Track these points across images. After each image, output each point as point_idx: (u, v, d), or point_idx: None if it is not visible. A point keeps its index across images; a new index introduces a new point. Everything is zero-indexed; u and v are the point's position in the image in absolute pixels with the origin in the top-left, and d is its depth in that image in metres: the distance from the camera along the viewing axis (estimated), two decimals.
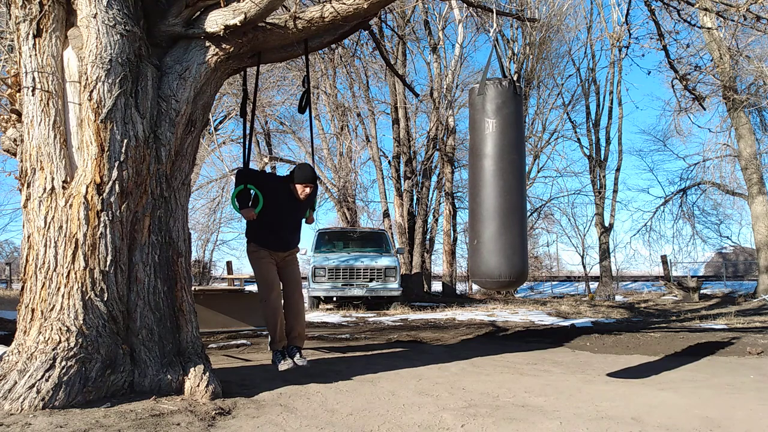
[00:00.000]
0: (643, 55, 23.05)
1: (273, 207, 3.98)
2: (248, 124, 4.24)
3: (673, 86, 7.96)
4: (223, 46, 3.53)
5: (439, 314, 9.93)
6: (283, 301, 4.00)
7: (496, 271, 3.19)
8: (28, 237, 3.11)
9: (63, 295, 2.94)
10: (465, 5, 9.38)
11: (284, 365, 3.71)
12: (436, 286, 20.22)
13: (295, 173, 4.03)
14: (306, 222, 4.35)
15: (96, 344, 2.89)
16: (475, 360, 4.74)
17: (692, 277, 16.68)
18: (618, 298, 17.59)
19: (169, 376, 3.06)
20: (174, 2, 3.54)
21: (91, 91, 3.08)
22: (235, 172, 4.34)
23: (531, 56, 18.52)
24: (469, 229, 3.48)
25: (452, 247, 18.37)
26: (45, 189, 3.09)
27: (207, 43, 3.53)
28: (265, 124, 18.78)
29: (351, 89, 18.01)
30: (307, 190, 3.98)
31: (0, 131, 3.58)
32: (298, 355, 3.82)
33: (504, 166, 3.27)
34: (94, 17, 3.14)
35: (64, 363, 2.74)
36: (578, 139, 20.57)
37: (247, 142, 4.15)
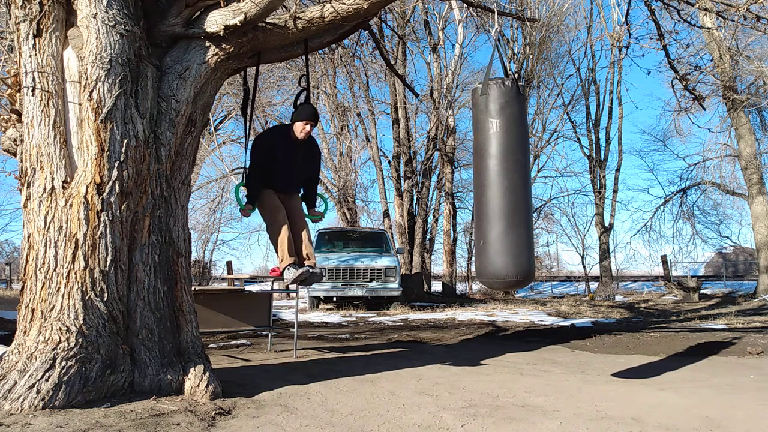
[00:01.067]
0: (643, 55, 23.05)
1: (275, 160, 4.04)
2: (248, 124, 4.27)
3: (673, 86, 7.96)
4: (223, 46, 3.53)
5: (439, 314, 9.93)
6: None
7: (503, 271, 3.19)
8: (28, 237, 3.11)
9: (63, 295, 2.94)
10: (465, 5, 9.38)
11: (298, 271, 3.74)
12: (436, 286, 20.23)
13: (297, 112, 4.07)
14: (313, 222, 4.42)
15: (96, 344, 2.89)
16: (475, 360, 4.74)
17: (692, 277, 16.68)
18: (618, 298, 17.59)
19: (169, 376, 3.06)
20: (174, 2, 3.53)
21: (91, 91, 3.08)
22: (242, 173, 4.39)
23: (531, 56, 18.52)
24: (474, 230, 3.48)
25: (452, 247, 18.38)
26: (45, 189, 3.09)
27: (207, 43, 3.53)
28: (265, 124, 18.79)
29: (351, 89, 18.03)
30: (307, 128, 4.03)
31: (0, 131, 3.58)
32: (308, 268, 3.88)
33: (509, 165, 3.27)
34: (94, 17, 3.14)
35: (64, 363, 2.74)
36: (578, 139, 20.59)
37: (247, 142, 4.20)
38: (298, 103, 4.17)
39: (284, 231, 3.94)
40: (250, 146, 4.21)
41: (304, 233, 4.11)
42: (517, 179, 3.27)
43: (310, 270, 3.88)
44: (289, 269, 3.89)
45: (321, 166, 4.62)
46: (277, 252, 4.03)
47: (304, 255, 4.04)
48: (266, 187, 4.09)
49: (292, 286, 4.25)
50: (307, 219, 4.33)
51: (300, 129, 4.02)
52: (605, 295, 17.65)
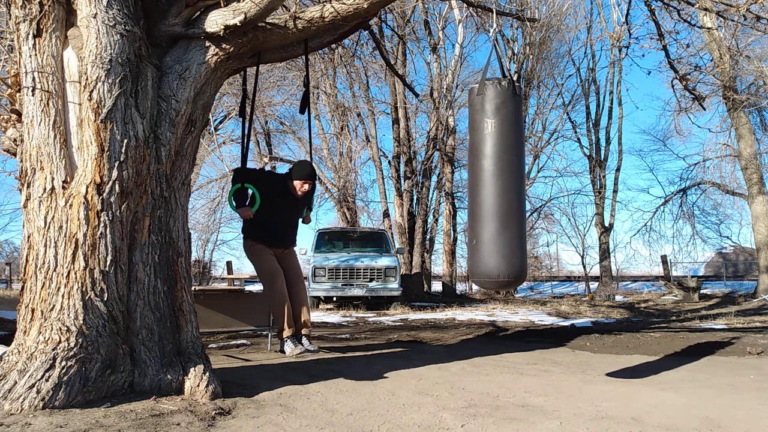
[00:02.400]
0: (643, 55, 23.06)
1: (270, 205, 4.00)
2: (247, 124, 4.25)
3: (673, 86, 7.96)
4: (223, 46, 3.53)
5: (439, 314, 9.93)
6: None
7: (495, 271, 3.19)
8: (28, 237, 3.11)
9: (63, 295, 2.94)
10: (465, 5, 9.38)
11: (297, 350, 3.74)
12: (436, 286, 20.23)
13: (293, 170, 4.05)
14: (303, 222, 4.36)
15: (96, 344, 2.89)
16: (475, 360, 4.74)
17: (692, 277, 16.68)
18: (618, 298, 17.59)
19: (169, 376, 3.06)
20: (174, 2, 3.53)
21: (91, 91, 3.08)
22: (232, 171, 4.37)
23: (531, 56, 18.52)
24: (468, 229, 3.48)
25: (452, 247, 18.38)
26: (45, 189, 3.09)
27: (207, 43, 3.53)
28: (265, 124, 18.80)
29: (351, 89, 18.03)
30: (306, 186, 4.00)
31: (0, 131, 3.58)
32: (307, 342, 3.86)
33: (503, 166, 3.27)
34: (94, 17, 3.14)
35: (64, 363, 2.74)
36: (578, 139, 20.60)
37: (245, 142, 4.17)
38: (292, 167, 4.13)
39: (284, 301, 3.91)
40: (253, 147, 4.19)
41: (302, 296, 4.07)
42: (512, 179, 3.27)
43: (309, 350, 3.88)
44: (288, 343, 3.89)
45: (315, 193, 4.57)
46: (275, 319, 4.01)
47: (302, 321, 4.00)
48: (261, 243, 4.02)
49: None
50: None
51: (299, 188, 4.00)
52: (605, 295, 17.65)
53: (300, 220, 4.37)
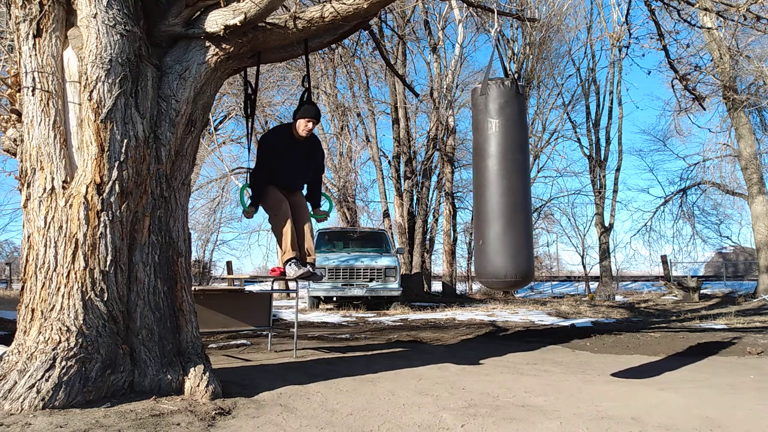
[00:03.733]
0: (643, 55, 23.05)
1: (278, 157, 4.06)
2: (250, 123, 4.29)
3: (673, 86, 7.96)
4: (223, 46, 3.53)
5: (439, 314, 9.93)
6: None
7: (502, 270, 3.19)
8: (28, 237, 3.11)
9: (63, 295, 2.94)
10: (465, 5, 9.38)
11: (300, 271, 3.79)
12: (436, 286, 20.23)
13: (298, 110, 4.10)
14: (318, 221, 4.45)
15: (96, 344, 2.89)
16: (475, 360, 4.74)
17: (692, 277, 16.67)
18: (618, 298, 17.59)
19: (169, 376, 3.06)
20: (174, 2, 3.53)
21: (91, 91, 3.08)
22: (248, 171, 4.41)
23: (531, 56, 18.52)
24: (474, 230, 3.49)
25: (452, 247, 18.38)
26: (45, 189, 3.09)
27: (207, 43, 3.53)
28: (265, 124, 18.79)
29: (351, 89, 18.03)
30: (310, 125, 4.06)
31: (0, 131, 3.58)
32: (310, 267, 3.90)
33: (508, 165, 3.27)
34: (94, 17, 3.14)
35: (64, 363, 2.74)
36: (578, 139, 20.60)
37: (249, 143, 4.22)
38: (298, 109, 4.19)
39: (288, 223, 3.97)
40: (254, 148, 4.24)
41: (306, 228, 4.13)
42: (517, 179, 3.28)
43: (311, 270, 3.91)
44: (290, 265, 3.93)
45: (324, 166, 4.63)
46: (279, 243, 4.05)
47: (306, 250, 4.06)
48: (270, 183, 4.11)
49: (292, 284, 4.28)
50: (312, 218, 4.35)
51: (302, 127, 4.06)
52: (605, 295, 17.65)
53: (312, 213, 4.41)
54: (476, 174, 3.40)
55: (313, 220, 4.38)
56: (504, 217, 3.22)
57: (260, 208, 4.16)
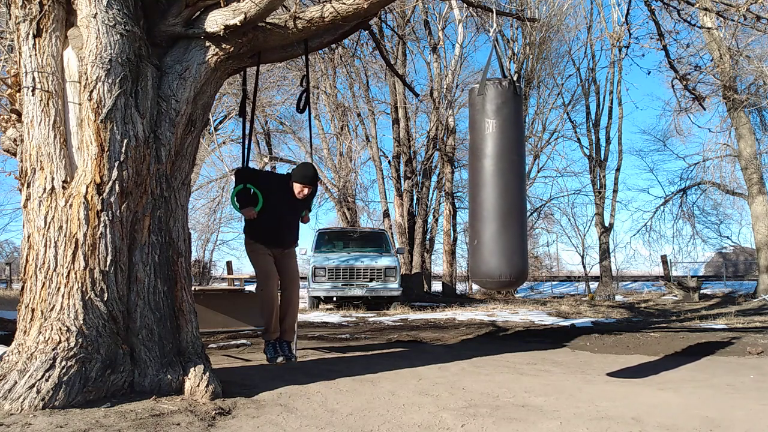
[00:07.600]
0: (643, 55, 23.02)
1: (271, 205, 3.99)
2: (248, 124, 4.25)
3: (673, 86, 7.96)
4: (223, 46, 3.53)
5: (439, 314, 9.93)
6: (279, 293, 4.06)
7: (497, 271, 3.19)
8: (28, 237, 3.11)
9: (63, 295, 2.94)
10: (465, 5, 9.38)
11: (277, 358, 3.79)
12: (436, 286, 20.22)
13: (295, 172, 4.04)
14: (301, 221, 4.35)
15: (96, 344, 2.89)
16: (475, 360, 4.74)
17: (692, 277, 16.66)
18: (618, 298, 17.58)
19: (169, 376, 3.06)
20: (174, 2, 3.53)
21: (91, 91, 3.08)
22: (234, 171, 4.35)
23: (531, 56, 18.52)
24: (469, 229, 3.49)
25: (452, 247, 18.38)
26: (45, 189, 3.09)
27: (207, 43, 3.53)
28: (265, 124, 18.79)
29: (351, 89, 18.01)
30: (306, 191, 3.98)
31: (0, 131, 3.58)
32: (288, 350, 3.90)
33: (504, 166, 3.27)
34: (94, 17, 3.14)
35: (64, 363, 2.74)
36: (578, 139, 20.58)
37: (246, 142, 4.16)
38: (295, 168, 4.09)
39: (273, 304, 3.91)
40: (254, 148, 4.17)
41: (293, 299, 4.05)
42: (512, 179, 3.28)
43: (286, 360, 3.89)
44: (269, 348, 3.91)
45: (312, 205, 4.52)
46: (262, 316, 4.01)
47: (287, 326, 4.00)
48: (260, 242, 3.99)
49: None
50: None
51: (298, 191, 3.97)
52: (605, 295, 17.64)
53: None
54: (472, 174, 3.40)
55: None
56: (499, 217, 3.22)
57: (258, 205, 4.03)
